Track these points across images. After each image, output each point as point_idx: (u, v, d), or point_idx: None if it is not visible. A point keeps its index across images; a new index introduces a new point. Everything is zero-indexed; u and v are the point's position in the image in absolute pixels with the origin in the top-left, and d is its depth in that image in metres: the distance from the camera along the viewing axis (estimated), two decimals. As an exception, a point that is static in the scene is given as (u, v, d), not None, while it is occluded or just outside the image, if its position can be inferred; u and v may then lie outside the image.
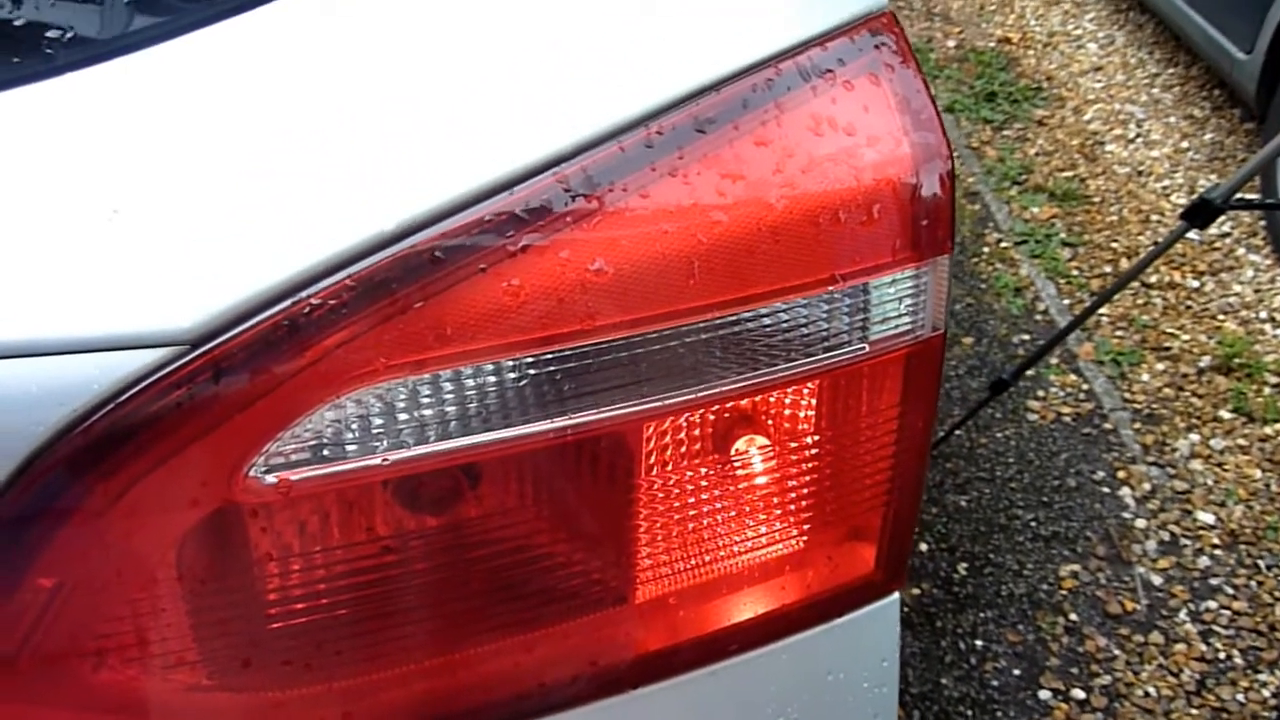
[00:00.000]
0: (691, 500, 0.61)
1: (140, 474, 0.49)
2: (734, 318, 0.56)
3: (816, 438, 0.62)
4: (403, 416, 0.52)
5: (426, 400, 0.52)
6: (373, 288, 0.49)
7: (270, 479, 0.50)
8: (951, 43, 4.11)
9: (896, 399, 0.62)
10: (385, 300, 0.49)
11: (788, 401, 0.62)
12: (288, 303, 0.48)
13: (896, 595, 0.67)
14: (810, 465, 0.63)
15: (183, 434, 0.48)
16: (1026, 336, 2.74)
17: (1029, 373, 2.47)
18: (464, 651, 0.59)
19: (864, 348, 0.59)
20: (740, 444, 0.62)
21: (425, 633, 0.59)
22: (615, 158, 0.52)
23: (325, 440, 0.51)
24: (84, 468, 0.48)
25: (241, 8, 0.52)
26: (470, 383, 0.52)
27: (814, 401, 0.62)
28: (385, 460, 0.51)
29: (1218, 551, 2.20)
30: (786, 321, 0.57)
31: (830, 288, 0.56)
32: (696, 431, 0.60)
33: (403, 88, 0.53)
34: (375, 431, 0.52)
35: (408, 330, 0.49)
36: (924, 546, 2.24)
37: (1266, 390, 2.54)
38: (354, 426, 0.51)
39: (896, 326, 0.59)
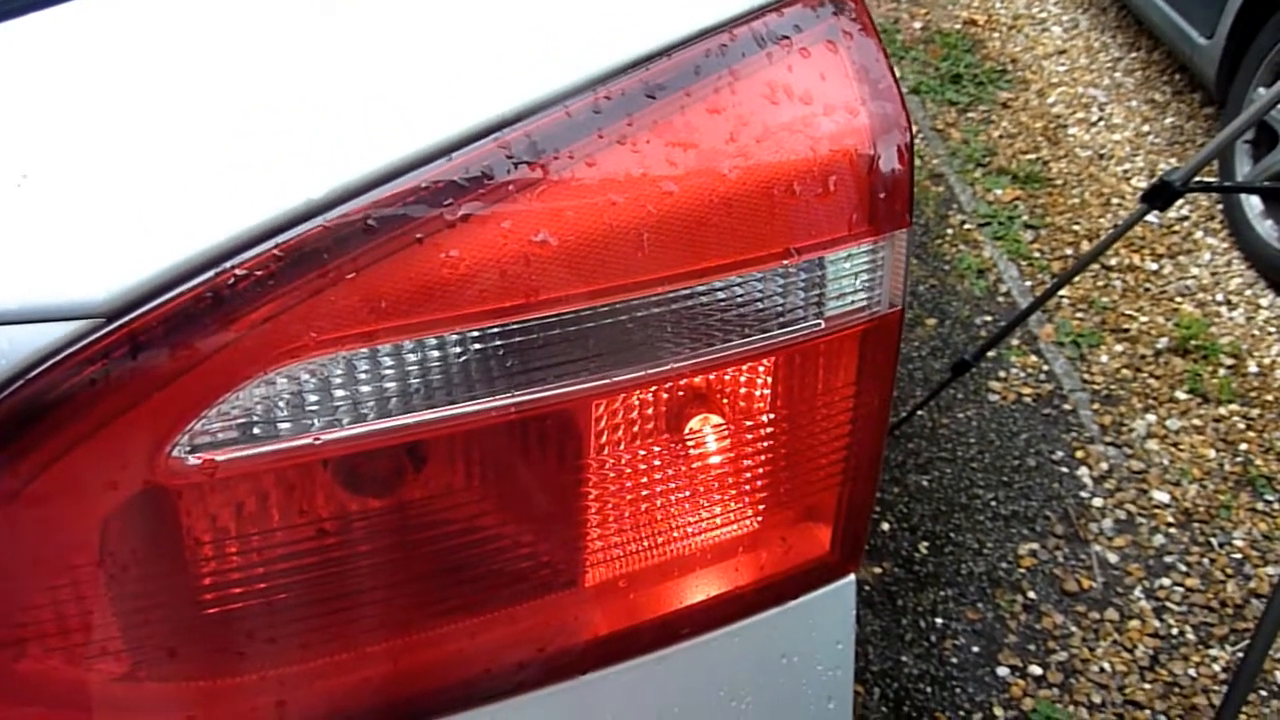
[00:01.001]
0: (643, 480, 0.60)
1: (55, 455, 0.46)
2: (686, 292, 0.54)
3: (771, 416, 0.60)
4: (338, 394, 0.49)
5: (363, 376, 0.50)
6: (302, 258, 0.46)
7: (195, 459, 0.47)
8: (918, 24, 4.11)
9: (853, 377, 0.60)
10: (315, 271, 0.46)
11: (742, 379, 0.60)
12: (211, 273, 0.45)
13: (852, 577, 0.66)
14: (765, 444, 0.61)
15: (99, 412, 0.45)
16: (989, 317, 2.75)
17: (990, 354, 2.48)
18: (407, 637, 0.57)
19: (820, 324, 0.57)
20: (693, 422, 0.60)
21: (366, 618, 0.56)
22: (561, 123, 0.50)
23: (255, 418, 0.48)
24: (-7, 448, 0.45)
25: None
26: (410, 358, 0.50)
27: (768, 379, 0.60)
28: (318, 440, 0.49)
29: (1172, 530, 2.23)
30: (740, 296, 0.56)
31: (785, 262, 0.55)
32: (648, 410, 0.58)
33: (335, 45, 0.50)
34: (309, 409, 0.49)
35: (340, 303, 0.47)
36: (885, 526, 2.25)
37: (1221, 372, 2.57)
38: (285, 404, 0.48)
39: (853, 302, 0.58)
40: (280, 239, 0.46)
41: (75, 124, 0.47)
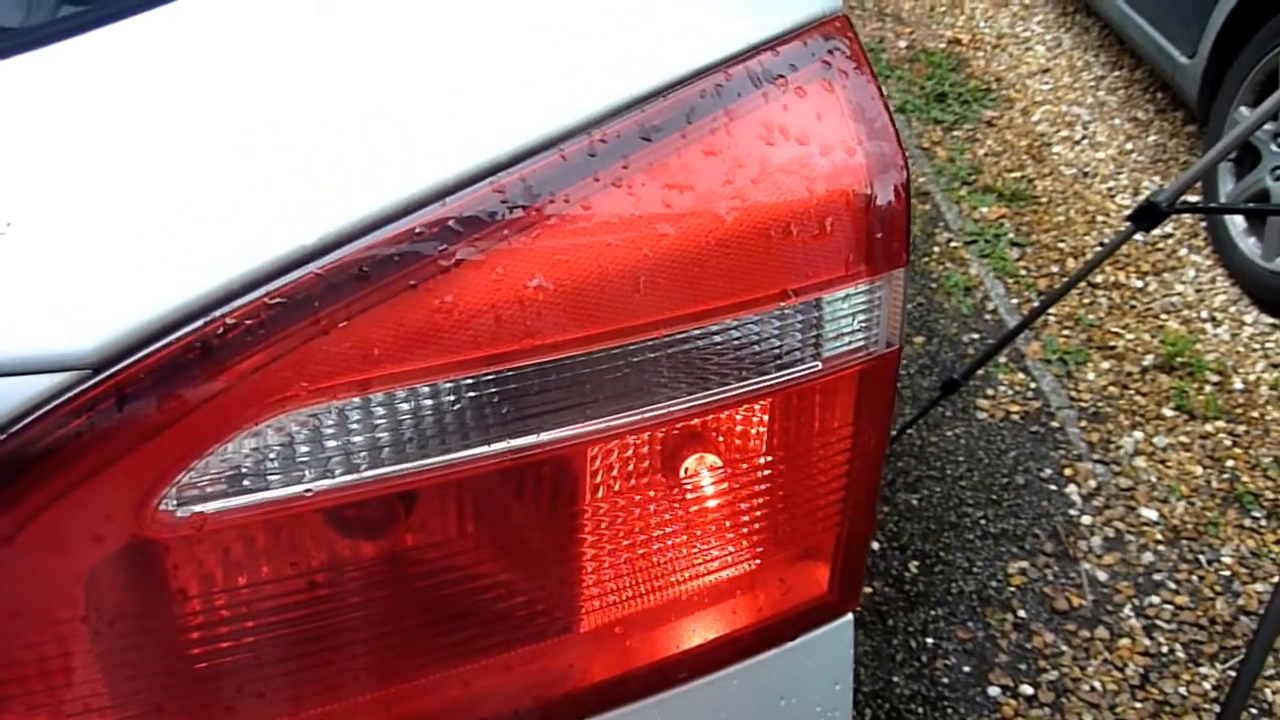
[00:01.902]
0: (639, 524, 0.59)
1: (38, 508, 0.45)
2: (682, 335, 0.53)
3: (768, 458, 0.60)
4: (330, 444, 0.48)
5: (355, 426, 0.49)
6: (293, 306, 0.45)
7: (183, 512, 0.46)
8: (903, 43, 4.13)
9: (850, 417, 0.59)
10: (307, 319, 0.45)
11: (739, 420, 0.59)
12: (199, 323, 0.44)
13: (850, 616, 0.65)
14: (762, 485, 0.60)
15: (84, 465, 0.44)
16: (976, 335, 2.76)
17: (978, 371, 2.49)
18: (400, 686, 0.56)
19: (817, 365, 0.57)
20: (689, 464, 0.60)
21: (358, 668, 0.55)
22: (556, 167, 0.49)
23: (245, 470, 0.47)
24: (-26, 503, 0.44)
25: (144, 5, 0.48)
26: (403, 407, 0.49)
27: (766, 420, 0.59)
28: (310, 490, 0.48)
29: (1161, 547, 2.24)
30: (737, 339, 0.55)
31: (782, 304, 0.54)
32: (644, 452, 0.58)
33: (326, 90, 0.49)
34: (300, 460, 0.48)
35: (332, 352, 0.46)
36: (875, 545, 2.24)
37: (1207, 388, 2.59)
38: (275, 455, 0.47)
39: (850, 343, 0.57)
40: (271, 286, 0.45)
41: (61, 171, 0.46)
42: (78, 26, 0.47)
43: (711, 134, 0.53)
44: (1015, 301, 2.87)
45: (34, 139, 0.46)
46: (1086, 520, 2.30)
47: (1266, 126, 2.70)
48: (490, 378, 0.49)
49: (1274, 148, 2.71)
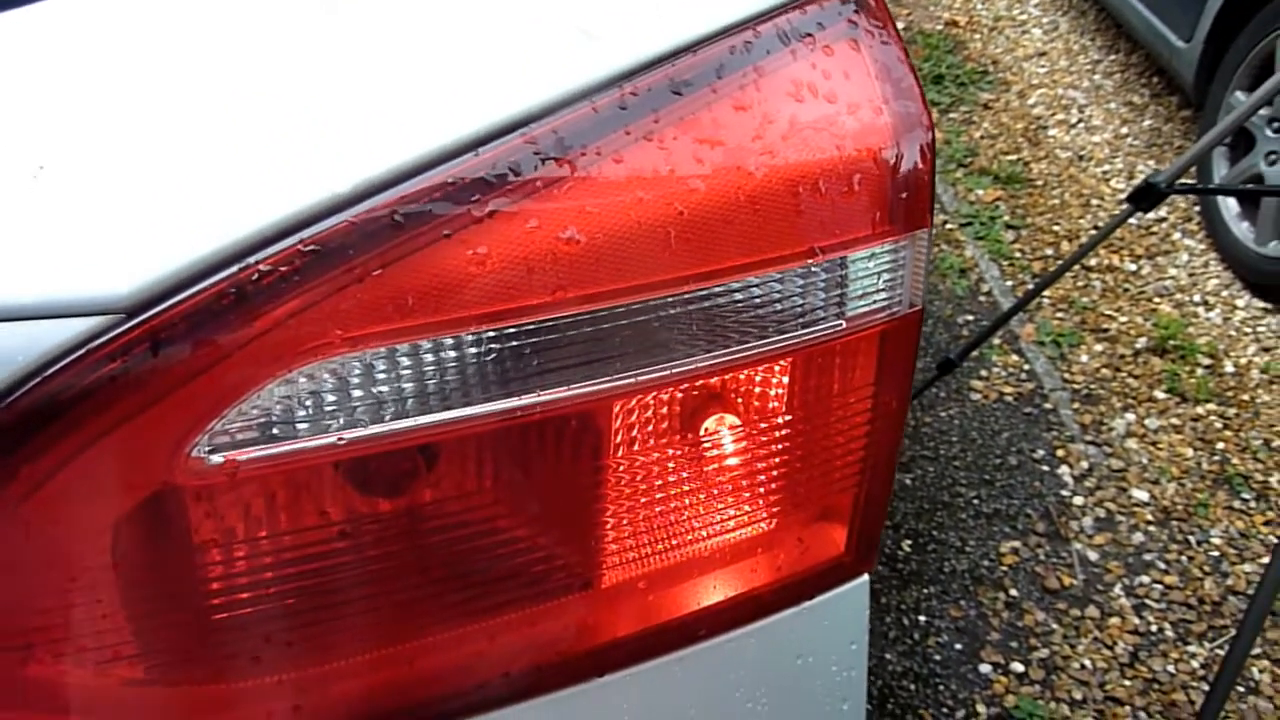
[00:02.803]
0: (660, 482, 0.59)
1: (70, 455, 0.45)
2: (708, 291, 0.53)
3: (788, 417, 0.60)
4: (357, 393, 0.48)
5: (383, 376, 0.49)
6: (328, 254, 0.45)
7: (215, 459, 0.46)
8: (900, 24, 4.13)
9: (871, 377, 0.60)
10: (341, 267, 0.45)
11: (759, 379, 0.59)
12: (234, 269, 0.44)
13: (866, 577, 0.66)
14: (782, 445, 0.61)
15: (117, 411, 0.44)
16: (971, 316, 2.77)
17: (973, 353, 2.50)
18: (422, 640, 0.57)
19: (840, 324, 0.57)
20: (710, 423, 0.60)
21: (381, 621, 0.55)
22: (588, 119, 0.49)
23: (275, 418, 0.47)
24: (7, 448, 0.44)
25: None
26: (430, 358, 0.49)
27: (786, 380, 0.59)
28: (341, 439, 0.48)
29: (1151, 528, 2.26)
30: (762, 296, 0.55)
31: (809, 261, 0.54)
32: (666, 410, 0.58)
33: (362, 39, 0.49)
34: (329, 409, 0.48)
35: (366, 300, 0.46)
36: (870, 524, 2.26)
37: (1199, 371, 2.61)
38: (307, 403, 0.47)
39: (874, 302, 0.57)
40: (305, 234, 0.45)
41: (96, 114, 0.45)
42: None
43: (741, 89, 0.52)
44: (1010, 284, 2.88)
45: (70, 81, 0.46)
46: (1078, 501, 2.32)
47: (1263, 112, 2.72)
48: (518, 330, 0.49)
49: (1269, 132, 2.72)
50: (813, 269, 0.55)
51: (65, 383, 0.43)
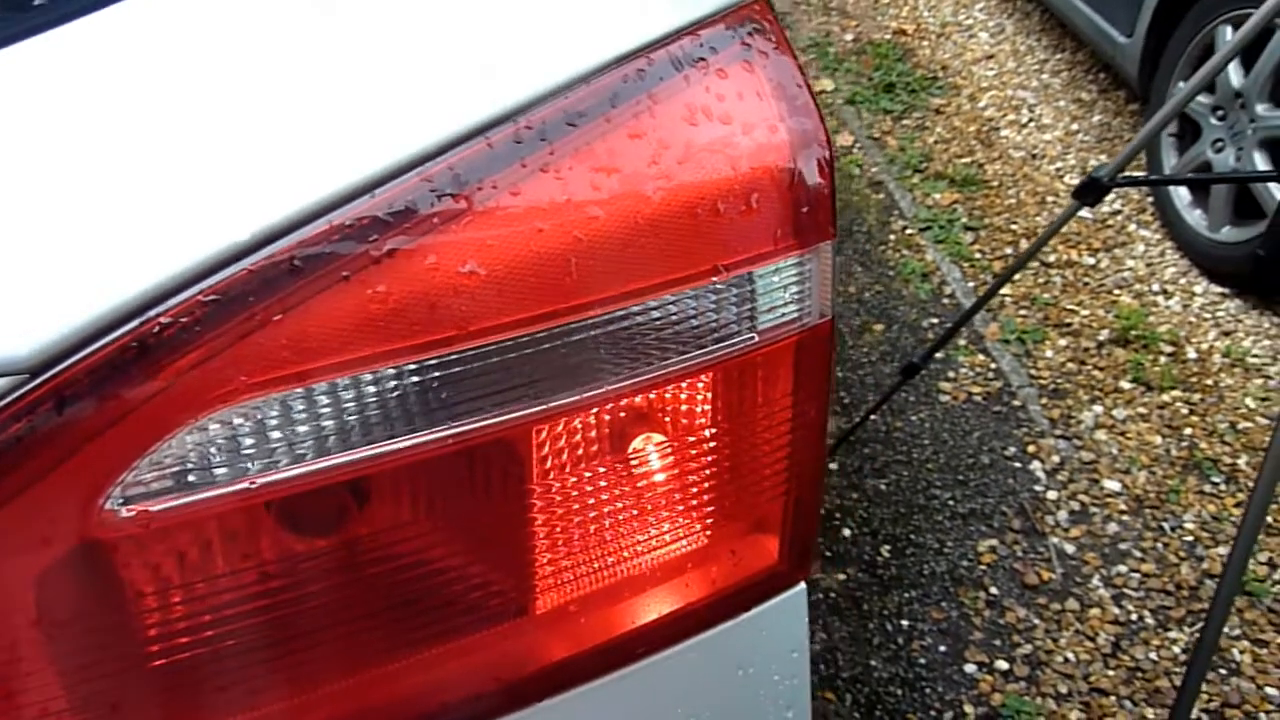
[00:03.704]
0: (590, 503, 0.60)
1: (-16, 515, 0.45)
2: (619, 313, 0.54)
3: (713, 430, 0.61)
4: (274, 435, 0.49)
5: (299, 417, 0.49)
6: (228, 302, 0.46)
7: (128, 511, 0.47)
8: (849, 36, 4.19)
9: (789, 387, 0.61)
10: (243, 315, 0.46)
11: (682, 396, 0.61)
12: (135, 323, 0.45)
13: (803, 585, 0.67)
14: (708, 459, 0.62)
15: (27, 469, 0.45)
16: (935, 320, 2.80)
17: (939, 355, 2.52)
18: (361, 675, 0.57)
19: (753, 337, 0.58)
20: (636, 442, 0.61)
21: (318, 659, 0.56)
22: (483, 155, 0.51)
23: (189, 466, 0.48)
24: (-83, 512, 0.44)
25: (69, 16, 0.48)
26: (345, 395, 0.50)
27: (708, 394, 0.61)
28: (254, 483, 0.48)
29: (1125, 517, 2.28)
30: (674, 314, 0.56)
31: (714, 279, 0.56)
32: (591, 432, 0.59)
33: (253, 88, 0.50)
34: (245, 453, 0.49)
35: (269, 345, 0.47)
36: (846, 531, 2.27)
37: (1162, 359, 2.64)
38: (219, 449, 0.48)
39: (784, 315, 0.59)
40: (204, 284, 0.46)
41: (-11, 180, 0.46)
42: (10, 36, 0.48)
43: (635, 118, 0.54)
44: (972, 284, 2.91)
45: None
46: (1052, 495, 2.34)
47: (1205, 100, 2.77)
48: (432, 363, 0.50)
49: (1213, 121, 2.78)
50: (719, 286, 0.56)
51: (-28, 445, 0.44)
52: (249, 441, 0.49)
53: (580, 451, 0.59)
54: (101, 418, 0.45)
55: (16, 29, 0.50)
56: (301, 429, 0.50)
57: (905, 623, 2.10)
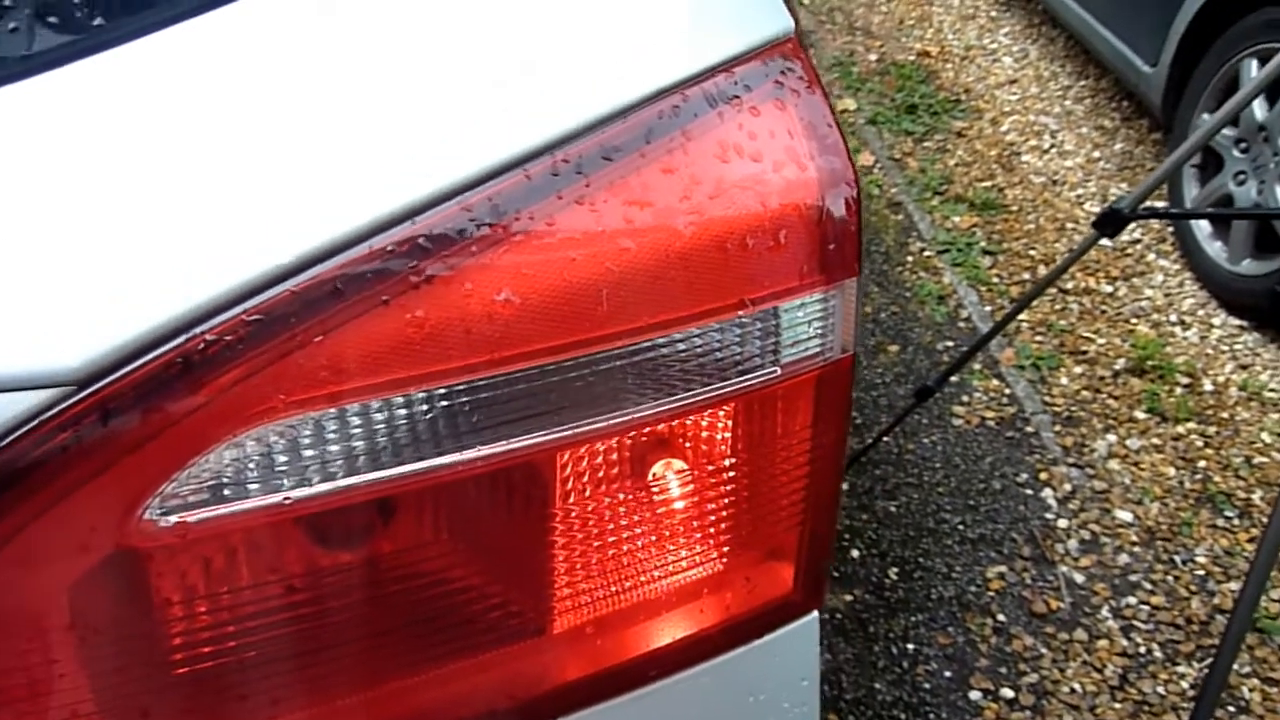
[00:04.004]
0: (609, 527, 0.61)
1: (25, 521, 0.46)
2: (646, 344, 0.56)
3: (732, 460, 0.62)
4: (307, 453, 0.51)
5: (332, 436, 0.51)
6: (270, 323, 0.47)
7: (166, 521, 0.48)
8: (873, 56, 4.20)
9: (809, 420, 0.62)
10: (284, 335, 0.48)
11: (703, 425, 0.62)
12: (180, 339, 0.46)
13: (815, 614, 0.67)
14: (727, 488, 0.63)
15: (70, 478, 0.46)
16: (950, 343, 2.80)
17: (953, 379, 2.52)
18: (379, 689, 0.58)
19: (776, 370, 0.59)
20: (657, 468, 0.62)
21: (338, 672, 0.57)
22: (521, 186, 0.52)
23: (225, 480, 0.49)
24: (-36, 517, 0.45)
25: (128, 36, 0.50)
26: (377, 417, 0.51)
27: (729, 424, 0.62)
28: (288, 499, 0.50)
29: (1136, 549, 2.27)
30: (699, 346, 0.57)
31: (740, 313, 0.57)
32: (613, 457, 0.60)
33: (298, 116, 0.51)
34: (279, 469, 0.50)
35: (308, 365, 0.48)
36: (855, 553, 2.27)
37: (1178, 390, 2.63)
38: (255, 465, 0.49)
39: (807, 349, 0.60)
40: (248, 304, 0.47)
41: (42, 194, 0.48)
42: (49, 63, 0.50)
43: (669, 153, 0.55)
44: (988, 309, 2.91)
45: (15, 165, 0.48)
46: (1062, 524, 2.33)
47: (1228, 132, 2.77)
48: (462, 388, 0.52)
49: (1236, 153, 2.77)
50: (745, 320, 0.57)
51: (19, 453, 0.45)
52: (283, 458, 0.50)
53: (602, 476, 0.60)
54: (144, 430, 0.46)
55: (70, 50, 0.51)
56: (334, 448, 0.51)
57: (911, 646, 2.09)
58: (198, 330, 0.47)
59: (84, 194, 0.48)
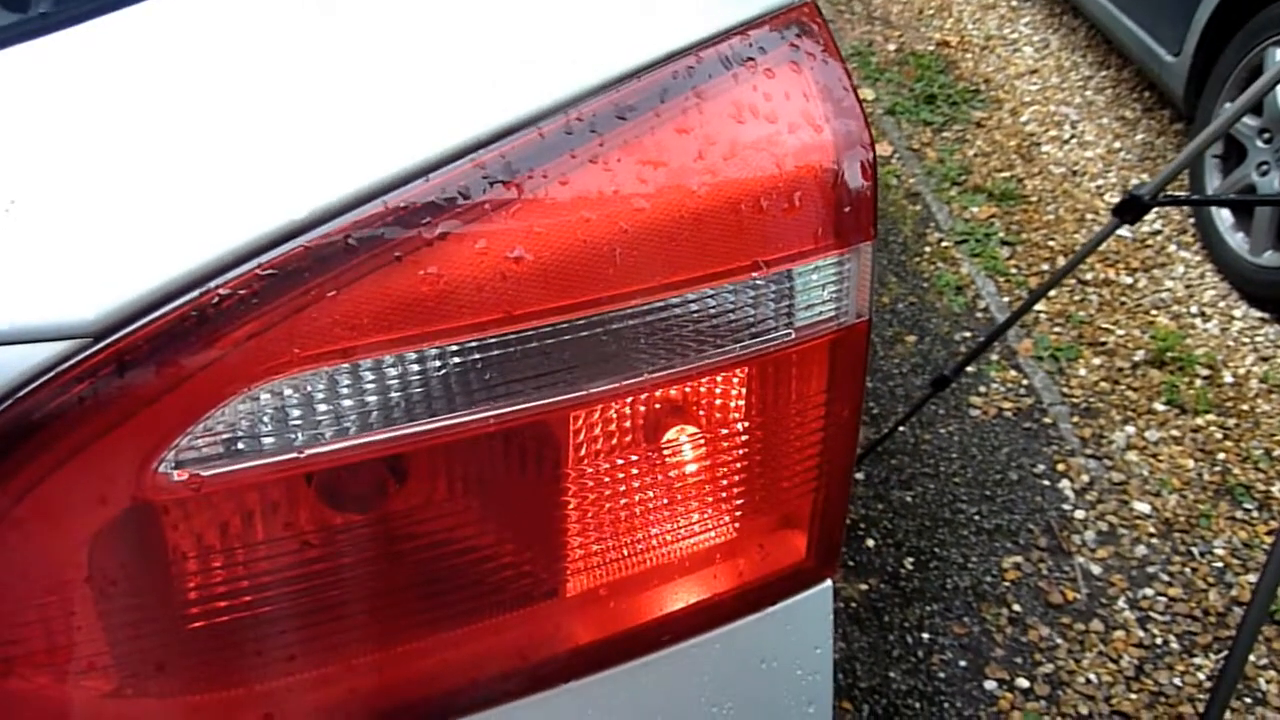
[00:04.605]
0: (622, 490, 0.61)
1: (43, 473, 0.47)
2: (659, 304, 0.56)
3: (746, 425, 0.62)
4: (321, 409, 0.51)
5: (345, 391, 0.51)
6: (284, 277, 0.48)
7: (180, 475, 0.48)
8: (892, 46, 4.17)
9: (823, 385, 0.62)
10: (298, 290, 0.48)
11: (717, 389, 0.61)
12: (195, 293, 0.47)
13: (829, 582, 0.67)
14: (741, 453, 0.63)
15: (87, 430, 0.46)
16: (968, 333, 2.78)
17: (970, 369, 2.51)
18: (391, 649, 0.58)
19: (790, 334, 0.59)
20: (670, 433, 0.62)
21: (351, 630, 0.57)
22: (535, 144, 0.52)
23: (240, 434, 0.49)
24: (-17, 468, 0.46)
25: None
26: (390, 373, 0.51)
27: (743, 389, 0.61)
28: (302, 454, 0.50)
29: (1154, 540, 2.26)
30: (712, 308, 0.57)
31: (754, 274, 0.56)
32: (626, 421, 0.60)
33: (317, 72, 0.52)
34: (292, 424, 0.50)
35: (321, 321, 0.48)
36: (870, 542, 2.26)
37: (1198, 383, 2.61)
38: (268, 420, 0.49)
39: (821, 313, 0.60)
40: (262, 259, 0.47)
41: (61, 149, 0.48)
42: (72, 18, 0.50)
43: (684, 113, 0.55)
44: (1006, 300, 2.89)
45: (36, 124, 0.49)
46: (1080, 515, 2.32)
47: (1251, 122, 2.74)
48: (474, 345, 0.52)
49: (1259, 143, 2.74)
50: (759, 282, 0.57)
51: (36, 404, 0.46)
52: (296, 413, 0.50)
53: (615, 439, 0.60)
54: (159, 383, 0.47)
55: (79, 12, 0.52)
56: (347, 403, 0.51)
57: (926, 636, 2.09)
58: (212, 284, 0.47)
59: (103, 148, 0.49)
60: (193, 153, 0.49)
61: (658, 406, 0.60)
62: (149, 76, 0.50)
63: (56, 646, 0.51)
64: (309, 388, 0.50)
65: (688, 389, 0.61)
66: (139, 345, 0.46)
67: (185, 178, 0.48)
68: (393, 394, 0.51)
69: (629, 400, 0.58)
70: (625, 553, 0.62)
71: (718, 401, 0.61)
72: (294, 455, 0.50)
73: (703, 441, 0.61)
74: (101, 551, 0.49)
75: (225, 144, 0.49)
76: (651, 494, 0.61)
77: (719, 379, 0.60)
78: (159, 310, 0.46)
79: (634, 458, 0.60)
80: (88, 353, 0.46)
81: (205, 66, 0.51)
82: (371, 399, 0.51)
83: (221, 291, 0.47)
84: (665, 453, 0.61)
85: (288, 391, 0.49)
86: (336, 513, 0.54)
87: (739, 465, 0.62)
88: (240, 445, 0.49)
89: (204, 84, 0.50)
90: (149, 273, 0.46)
